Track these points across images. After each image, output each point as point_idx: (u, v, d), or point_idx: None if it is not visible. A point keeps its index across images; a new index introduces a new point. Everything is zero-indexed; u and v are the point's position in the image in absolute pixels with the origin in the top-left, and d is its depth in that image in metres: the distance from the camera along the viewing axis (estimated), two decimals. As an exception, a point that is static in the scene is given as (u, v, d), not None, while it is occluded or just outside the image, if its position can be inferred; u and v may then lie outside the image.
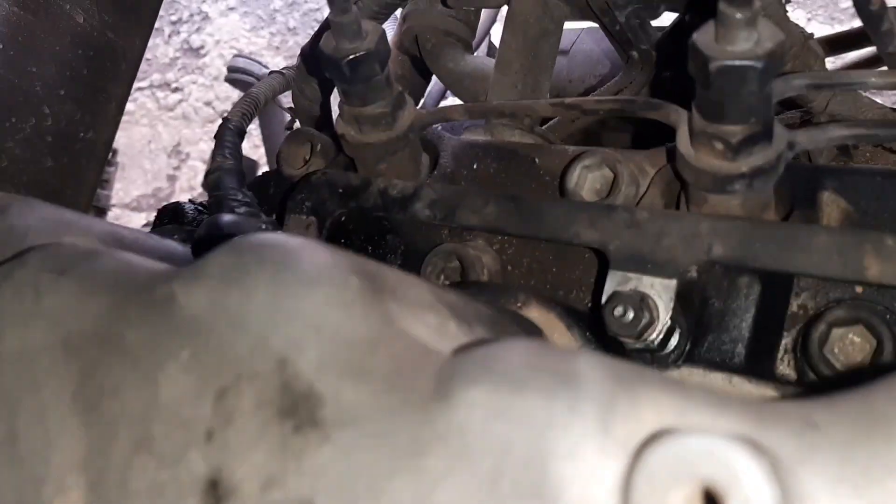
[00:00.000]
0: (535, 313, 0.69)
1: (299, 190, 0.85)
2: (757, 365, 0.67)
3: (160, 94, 4.96)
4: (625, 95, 1.12)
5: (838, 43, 1.64)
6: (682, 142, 0.68)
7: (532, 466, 0.35)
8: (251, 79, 2.67)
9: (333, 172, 0.85)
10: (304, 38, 5.39)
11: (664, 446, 0.34)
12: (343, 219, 0.85)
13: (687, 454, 0.33)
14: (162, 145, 4.79)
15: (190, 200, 1.02)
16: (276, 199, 0.98)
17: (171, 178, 4.76)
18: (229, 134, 0.89)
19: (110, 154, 3.16)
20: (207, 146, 4.92)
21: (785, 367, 0.69)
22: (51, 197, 1.07)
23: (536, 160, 0.86)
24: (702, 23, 0.68)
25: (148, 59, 5.09)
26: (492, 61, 0.98)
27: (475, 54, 1.07)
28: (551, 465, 0.35)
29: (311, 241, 0.48)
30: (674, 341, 0.69)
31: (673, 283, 0.66)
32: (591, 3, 0.91)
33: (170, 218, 0.98)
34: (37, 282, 0.53)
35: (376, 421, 0.39)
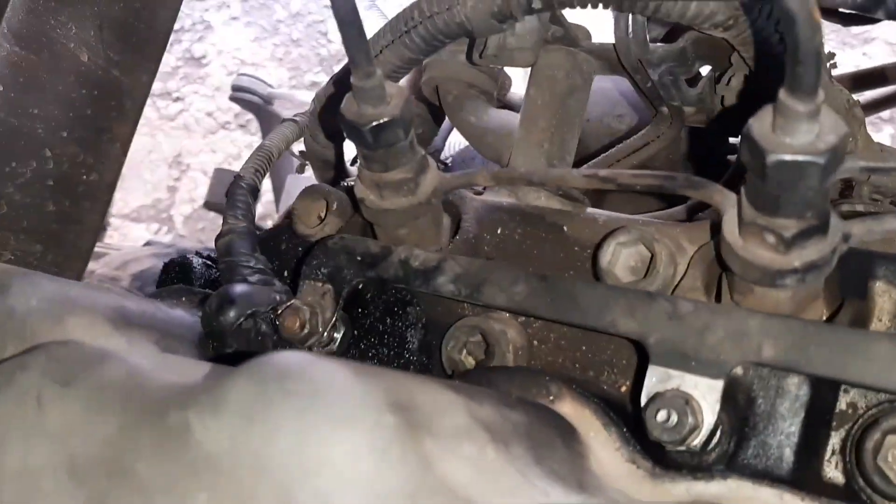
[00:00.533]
0: (568, 408, 0.65)
1: (315, 255, 0.81)
2: (804, 470, 0.63)
3: (161, 103, 4.91)
4: (654, 146, 1.08)
5: (861, 80, 1.61)
6: (730, 230, 0.64)
7: None
8: (255, 98, 2.64)
9: (351, 238, 0.80)
10: (307, 50, 5.35)
11: None
12: (361, 287, 0.80)
13: None
14: (162, 156, 4.74)
15: (197, 253, 0.98)
16: (288, 255, 0.93)
17: (172, 189, 4.71)
18: (241, 193, 0.84)
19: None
20: (208, 157, 4.87)
21: (832, 470, 0.65)
22: (52, 242, 1.03)
23: (565, 228, 0.81)
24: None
25: (150, 68, 5.04)
26: (516, 116, 0.94)
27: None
28: None
29: (340, 367, 0.44)
30: (715, 439, 0.65)
31: (720, 384, 0.62)
32: (622, 61, 0.86)
33: (177, 274, 0.94)
34: (40, 392, 0.48)
35: None
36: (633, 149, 1.07)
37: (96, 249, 2.83)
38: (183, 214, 4.74)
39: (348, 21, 0.65)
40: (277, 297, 0.76)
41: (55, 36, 0.99)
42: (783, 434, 0.63)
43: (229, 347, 0.75)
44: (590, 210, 0.96)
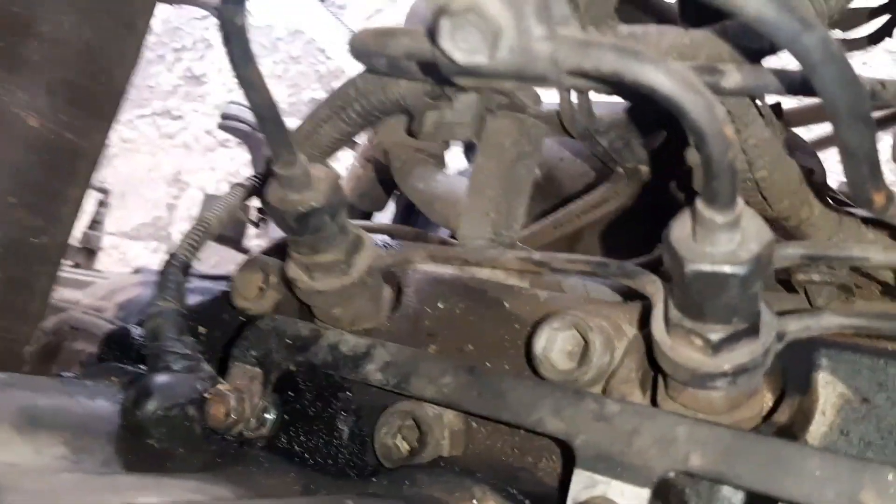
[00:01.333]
0: (491, 514, 0.62)
1: (245, 336, 0.78)
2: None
3: (161, 121, 4.92)
4: (612, 204, 1.05)
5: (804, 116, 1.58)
6: (658, 327, 0.61)
7: None
8: (244, 126, 2.62)
9: (283, 320, 0.78)
10: (306, 67, 5.34)
11: None
12: (292, 369, 0.78)
13: None
14: (161, 174, 4.74)
15: (140, 322, 0.95)
16: (229, 325, 0.90)
17: (171, 207, 4.71)
18: (173, 272, 0.82)
19: (103, 195, 3.10)
20: (207, 175, 4.85)
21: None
22: (2, 310, 1.01)
23: (507, 304, 0.78)
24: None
25: (150, 87, 5.06)
26: (465, 182, 0.91)
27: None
28: None
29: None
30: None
31: (646, 492, 0.59)
32: (569, 130, 0.84)
33: (116, 345, 0.91)
34: None
35: None
36: (591, 205, 1.04)
37: (81, 278, 2.80)
38: (181, 232, 4.74)
39: (266, 116, 0.63)
40: (200, 386, 0.74)
41: (2, 103, 0.97)
42: (716, 544, 0.60)
43: (150, 438, 0.72)
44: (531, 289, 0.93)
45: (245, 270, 0.87)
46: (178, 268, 0.82)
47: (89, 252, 3.06)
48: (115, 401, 0.74)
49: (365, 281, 0.77)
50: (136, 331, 0.93)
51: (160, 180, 4.90)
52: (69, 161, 1.04)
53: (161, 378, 0.72)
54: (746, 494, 0.60)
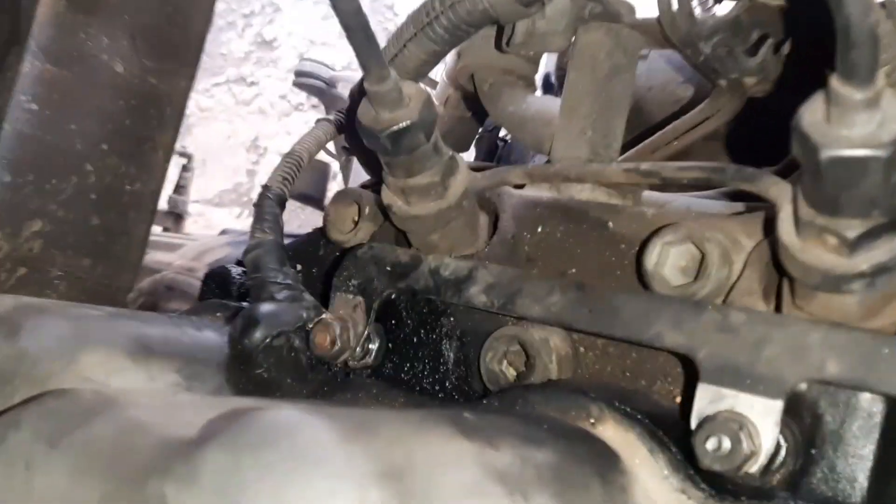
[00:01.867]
0: (611, 432, 0.59)
1: (345, 266, 0.77)
2: (881, 497, 0.56)
3: (236, 88, 4.98)
4: (714, 122, 0.99)
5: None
6: (786, 230, 0.56)
7: None
8: (319, 83, 2.62)
9: (381, 247, 0.76)
10: (374, 25, 5.28)
11: None
12: (393, 297, 0.76)
13: None
14: (240, 140, 4.82)
15: (239, 262, 0.96)
16: (325, 260, 0.90)
17: (251, 173, 4.79)
18: (269, 204, 0.81)
19: (186, 160, 3.17)
20: (284, 140, 4.90)
21: (918, 491, 0.58)
22: (99, 255, 1.03)
23: (610, 224, 0.75)
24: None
25: (223, 54, 5.12)
26: (558, 103, 0.87)
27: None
28: None
29: (326, 429, 0.40)
30: (779, 459, 0.58)
31: (778, 404, 0.55)
32: (668, 37, 0.79)
33: (217, 284, 0.92)
34: (29, 454, 0.46)
35: None
36: (692, 125, 0.99)
37: (173, 241, 2.89)
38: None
39: (354, 26, 0.61)
40: (304, 314, 0.73)
41: (87, 49, 0.98)
42: (855, 457, 0.56)
43: (259, 368, 0.72)
44: (646, 194, 0.89)
45: (338, 203, 0.86)
46: (272, 200, 0.81)
47: (177, 216, 3.14)
48: (222, 333, 0.74)
49: (461, 204, 0.75)
50: (236, 270, 0.93)
51: (239, 147, 4.98)
52: (156, 107, 1.04)
53: (266, 307, 0.71)
54: (888, 404, 0.56)
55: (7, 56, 0.91)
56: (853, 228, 0.52)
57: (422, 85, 0.69)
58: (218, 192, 4.87)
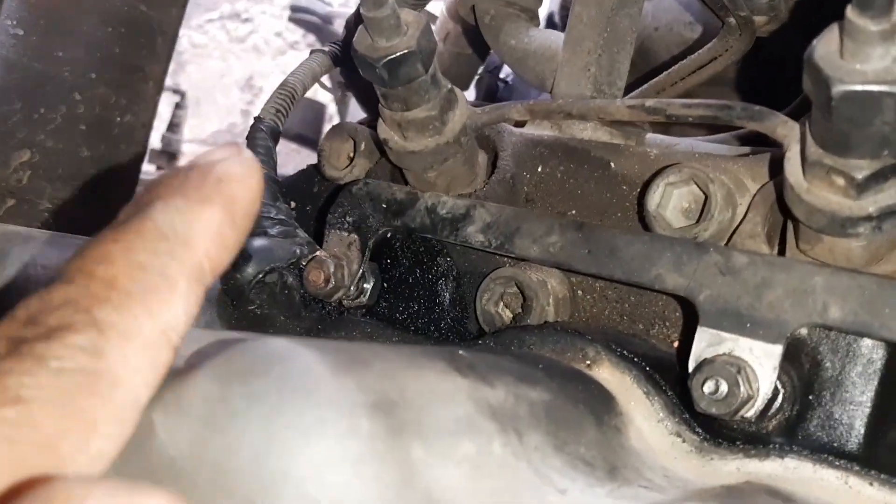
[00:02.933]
0: (606, 374, 0.59)
1: (339, 203, 0.76)
2: (878, 444, 0.55)
3: (231, 25, 4.88)
4: (722, 61, 0.97)
5: None
6: (792, 170, 0.55)
7: None
8: (314, 18, 2.56)
9: (376, 184, 0.75)
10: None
11: None
12: (388, 235, 0.75)
13: None
14: (234, 79, 4.74)
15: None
16: (320, 197, 0.88)
17: (245, 114, 4.72)
18: (261, 137, 0.79)
19: (179, 98, 3.12)
20: (279, 79, 4.79)
21: (915, 437, 0.57)
22: (89, 188, 1.01)
23: (612, 164, 0.73)
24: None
25: (218, -11, 5.00)
26: (561, 36, 0.84)
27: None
28: None
29: (317, 360, 0.39)
30: (776, 405, 0.58)
31: (778, 349, 0.54)
32: (679, -30, 0.76)
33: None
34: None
35: None
36: (700, 64, 0.96)
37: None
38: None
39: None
40: (298, 251, 0.72)
41: (74, -27, 0.94)
42: (853, 403, 0.55)
43: (251, 304, 0.71)
44: (649, 136, 0.87)
45: (333, 138, 0.84)
46: (265, 132, 0.79)
47: (171, 155, 3.10)
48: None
49: (459, 140, 0.73)
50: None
51: (233, 85, 4.90)
52: (146, 36, 1.01)
53: (258, 241, 0.70)
54: (889, 350, 0.55)
55: (-9, -22, 0.87)
56: (862, 169, 0.51)
57: (421, 13, 0.66)
58: (212, 132, 4.81)
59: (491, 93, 1.74)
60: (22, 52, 0.91)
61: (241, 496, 0.35)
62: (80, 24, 0.96)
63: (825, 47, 0.48)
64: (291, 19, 2.63)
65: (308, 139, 2.52)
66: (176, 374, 0.40)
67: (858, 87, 0.46)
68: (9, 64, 0.89)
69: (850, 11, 0.45)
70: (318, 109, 2.60)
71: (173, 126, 3.11)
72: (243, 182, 0.38)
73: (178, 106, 3.17)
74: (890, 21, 0.45)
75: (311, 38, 4.69)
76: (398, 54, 0.64)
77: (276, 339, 0.41)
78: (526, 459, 0.42)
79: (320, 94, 2.91)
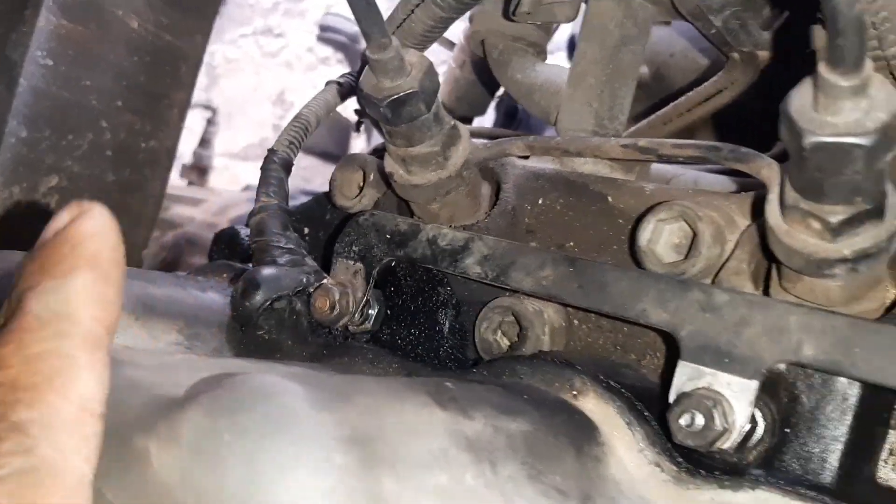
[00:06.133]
0: (591, 404, 0.61)
1: (346, 232, 0.79)
2: (852, 477, 0.57)
3: (263, 40, 4.97)
4: (727, 94, 0.99)
5: None
6: (773, 212, 0.57)
7: None
8: (342, 38, 2.61)
9: (381, 215, 0.78)
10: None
11: None
12: (393, 265, 0.78)
13: None
14: (266, 93, 4.82)
15: (248, 225, 0.97)
16: (331, 225, 0.91)
17: (276, 128, 4.80)
18: (274, 169, 0.82)
19: (211, 114, 3.19)
20: (310, 94, 4.87)
21: (889, 472, 0.59)
22: (115, 212, 1.04)
23: (610, 198, 0.75)
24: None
25: (251, 4, 5.10)
26: (566, 71, 0.87)
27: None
28: None
29: (301, 396, 0.41)
30: (756, 438, 0.60)
31: (754, 384, 0.56)
32: (679, 8, 0.78)
33: (225, 244, 0.94)
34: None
35: None
36: (705, 97, 0.98)
37: (195, 196, 2.91)
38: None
39: (356, -6, 0.61)
40: (305, 279, 0.75)
41: (102, 4, 0.99)
42: (828, 438, 0.57)
43: (259, 329, 0.74)
44: (655, 166, 0.89)
45: (344, 168, 0.87)
46: (278, 164, 0.83)
47: (201, 170, 3.17)
48: (225, 294, 0.76)
49: (461, 174, 0.76)
50: (244, 231, 0.95)
51: (265, 100, 4.98)
52: (171, 63, 1.05)
53: (268, 270, 0.73)
54: (863, 388, 0.57)
55: (23, 11, 0.92)
56: (836, 214, 0.53)
57: (424, 54, 0.69)
58: (244, 146, 4.90)
59: (510, 115, 1.77)
60: (51, 81, 0.96)
61: (226, 522, 0.38)
62: (108, 53, 1.01)
63: (799, 99, 0.50)
64: (320, 38, 2.69)
65: (334, 156, 2.57)
66: (172, 405, 0.43)
67: (829, 139, 0.48)
68: (38, 93, 0.94)
69: (821, 67, 0.47)
70: (344, 126, 2.65)
71: (204, 142, 3.18)
72: (97, 235, 0.39)
73: (209, 122, 3.24)
74: (860, 76, 0.47)
75: (341, 54, 4.78)
76: (401, 94, 0.67)
77: (266, 375, 0.44)
78: (498, 489, 0.45)
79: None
